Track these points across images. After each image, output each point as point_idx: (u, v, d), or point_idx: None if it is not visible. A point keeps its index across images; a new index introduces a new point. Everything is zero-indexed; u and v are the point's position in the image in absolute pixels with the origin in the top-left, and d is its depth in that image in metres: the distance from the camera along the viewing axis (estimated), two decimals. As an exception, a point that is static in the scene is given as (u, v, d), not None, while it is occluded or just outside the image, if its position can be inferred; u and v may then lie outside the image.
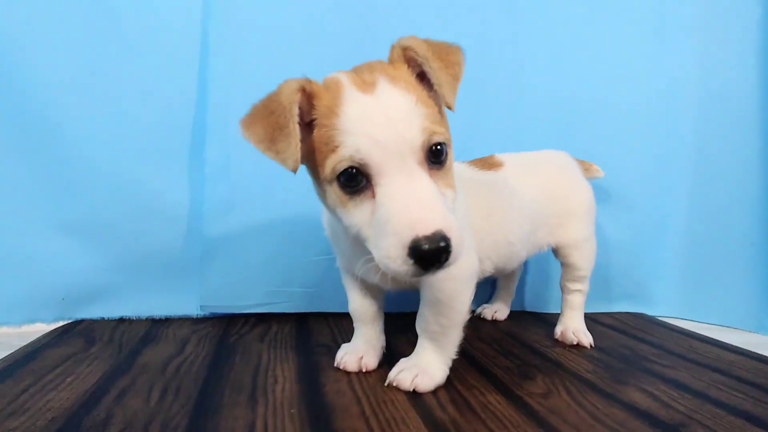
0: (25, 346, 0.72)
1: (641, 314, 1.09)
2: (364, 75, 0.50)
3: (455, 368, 0.66)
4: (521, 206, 0.76)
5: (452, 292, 0.61)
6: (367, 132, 0.46)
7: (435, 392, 0.61)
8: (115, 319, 0.87)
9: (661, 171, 1.09)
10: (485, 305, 1.01)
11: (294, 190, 0.86)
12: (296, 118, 0.47)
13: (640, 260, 1.10)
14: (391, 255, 0.45)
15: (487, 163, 0.80)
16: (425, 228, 0.44)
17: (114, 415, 0.52)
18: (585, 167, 0.94)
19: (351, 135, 0.47)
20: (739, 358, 0.80)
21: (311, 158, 0.51)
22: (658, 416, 0.57)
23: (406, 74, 0.51)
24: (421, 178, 0.47)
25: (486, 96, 1.01)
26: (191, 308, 0.90)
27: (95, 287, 0.86)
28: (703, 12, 1.06)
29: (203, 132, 0.86)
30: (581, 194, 0.86)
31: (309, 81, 0.50)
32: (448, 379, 0.64)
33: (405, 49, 0.52)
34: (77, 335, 0.78)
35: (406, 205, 0.45)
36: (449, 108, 0.51)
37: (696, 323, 1.07)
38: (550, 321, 0.93)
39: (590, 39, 1.05)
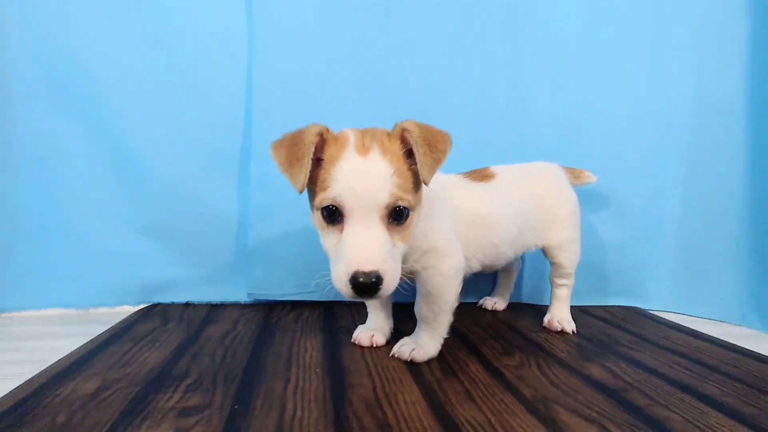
0: (120, 321, 0.94)
1: (634, 308, 1.20)
2: (366, 140, 0.64)
3: (450, 347, 0.82)
4: (508, 213, 0.90)
5: (441, 286, 0.77)
6: (350, 184, 0.61)
7: (428, 362, 0.77)
8: (183, 304, 1.09)
9: (655, 178, 1.19)
10: (486, 297, 1.15)
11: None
12: (311, 155, 0.62)
13: (634, 259, 1.21)
14: (339, 278, 0.60)
15: (480, 175, 0.94)
16: (365, 266, 0.58)
17: (191, 369, 0.72)
18: (576, 174, 1.06)
19: (338, 182, 0.61)
20: (704, 344, 0.92)
21: (311, 187, 0.66)
22: (605, 384, 0.71)
23: (397, 149, 0.65)
24: (377, 228, 0.61)
25: (491, 109, 1.13)
26: (241, 296, 1.10)
27: (167, 278, 1.07)
28: (696, 29, 1.15)
29: (248, 154, 1.06)
30: (566, 202, 0.99)
31: (327, 130, 0.65)
32: (441, 353, 0.80)
33: (403, 130, 0.64)
34: (156, 315, 1.00)
35: (359, 245, 0.60)
36: (425, 183, 0.64)
37: (685, 316, 1.17)
38: (543, 311, 1.06)
39: (589, 54, 1.15)
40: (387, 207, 0.62)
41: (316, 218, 0.66)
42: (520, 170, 0.99)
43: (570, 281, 1.01)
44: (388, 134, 0.66)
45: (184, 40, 1.04)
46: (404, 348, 0.78)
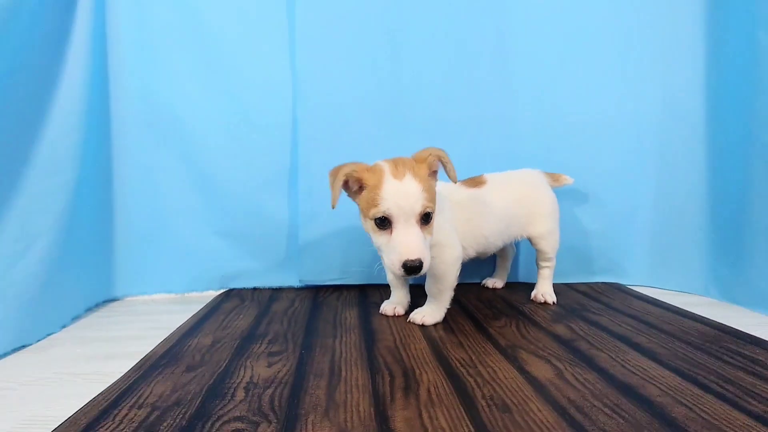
0: (210, 301, 1.29)
1: (614, 283, 1.44)
2: (398, 167, 0.91)
3: (452, 314, 1.10)
4: (496, 212, 1.17)
5: (444, 271, 1.05)
6: (395, 201, 0.89)
7: (435, 326, 1.06)
8: (251, 288, 1.42)
9: (630, 175, 1.40)
10: (488, 278, 1.42)
11: (354, 206, 1.34)
12: (340, 186, 0.92)
13: (614, 243, 1.44)
14: (394, 264, 0.88)
15: (475, 182, 1.21)
16: (412, 255, 0.87)
17: (269, 330, 1.04)
18: (555, 178, 1.31)
19: (386, 200, 0.89)
20: (657, 309, 1.16)
21: (362, 204, 0.95)
22: (562, 336, 0.98)
23: (424, 171, 0.93)
24: (415, 228, 0.90)
25: (484, 125, 1.38)
26: (294, 282, 1.42)
27: (238, 269, 1.41)
28: (660, 47, 1.35)
29: (296, 172, 1.37)
30: (545, 201, 1.24)
31: (355, 170, 0.93)
32: (445, 319, 1.08)
33: (429, 155, 0.94)
34: (234, 297, 1.34)
35: (406, 242, 0.88)
36: (454, 182, 0.98)
37: (657, 289, 1.40)
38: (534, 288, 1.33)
39: (567, 73, 1.37)
40: (420, 213, 0.90)
41: (369, 225, 0.94)
42: (507, 176, 1.25)
43: (551, 263, 1.26)
44: (415, 161, 0.95)
45: (247, 92, 1.36)
46: (417, 315, 1.07)
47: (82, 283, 1.20)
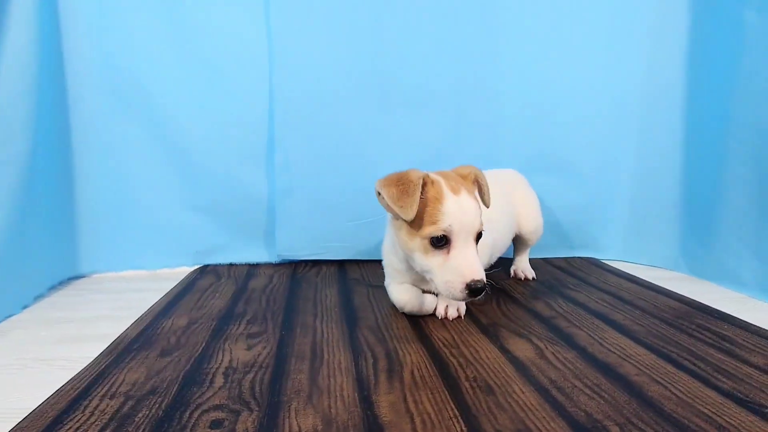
0: (184, 278, 1.24)
1: (591, 258, 1.46)
2: (452, 183, 0.84)
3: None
4: (494, 225, 1.05)
5: None
6: (458, 218, 0.80)
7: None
8: (227, 264, 1.38)
9: (610, 151, 1.41)
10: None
11: (333, 181, 1.31)
12: (419, 192, 0.80)
13: (592, 218, 1.46)
14: (455, 286, 0.79)
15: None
16: (476, 275, 0.79)
17: (247, 309, 1.01)
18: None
19: (448, 216, 0.80)
20: (631, 285, 1.19)
21: (416, 220, 0.82)
22: (541, 314, 0.99)
23: (472, 189, 0.88)
24: (473, 248, 0.82)
25: (468, 98, 1.34)
26: (272, 257, 1.39)
27: (214, 245, 1.36)
28: (645, 25, 1.33)
29: (272, 146, 1.30)
30: (531, 198, 1.25)
31: (427, 175, 0.84)
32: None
33: (476, 177, 0.90)
34: (210, 273, 1.29)
35: (468, 263, 0.80)
36: (487, 206, 0.90)
37: (632, 264, 1.44)
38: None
39: (553, 48, 1.34)
40: (477, 232, 0.84)
41: (418, 244, 0.83)
42: (494, 176, 1.19)
43: (531, 245, 1.27)
44: (464, 178, 0.89)
45: (220, 59, 1.27)
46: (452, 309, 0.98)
47: (44, 259, 1.13)
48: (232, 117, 1.30)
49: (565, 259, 1.46)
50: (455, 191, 0.83)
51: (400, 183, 0.82)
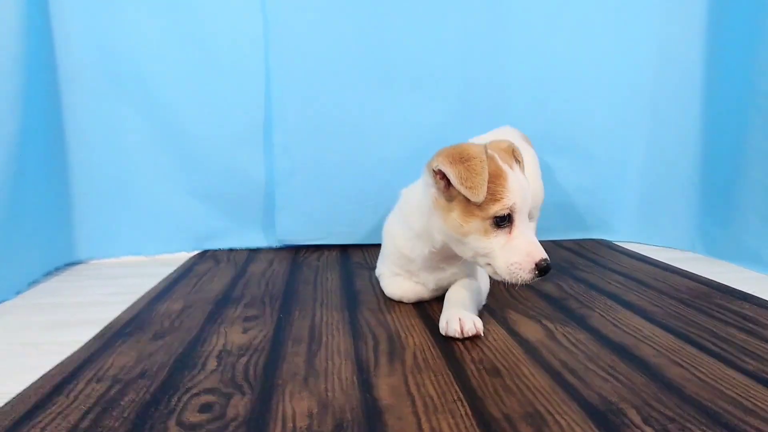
0: (183, 263, 1.21)
1: (602, 240, 1.41)
2: (502, 155, 0.76)
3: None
4: None
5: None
6: (521, 194, 0.73)
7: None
8: (227, 249, 1.35)
9: (623, 130, 1.35)
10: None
11: (334, 166, 1.26)
12: (487, 170, 0.70)
13: (604, 199, 1.40)
14: (524, 267, 0.71)
15: None
16: (543, 254, 0.72)
17: (245, 293, 0.98)
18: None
19: (513, 193, 0.72)
20: (645, 266, 1.14)
21: (461, 203, 0.73)
22: (551, 295, 0.94)
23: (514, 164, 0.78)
24: (530, 224, 0.77)
25: (475, 77, 1.29)
26: (272, 242, 1.35)
27: (214, 229, 1.33)
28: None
29: (270, 128, 1.26)
30: (532, 159, 1.17)
31: (487, 148, 0.74)
32: (431, 278, 1.04)
33: (514, 151, 0.80)
34: (209, 258, 1.26)
35: (534, 241, 0.73)
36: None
37: (645, 245, 1.38)
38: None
39: (564, 23, 1.28)
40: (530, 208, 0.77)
41: (480, 226, 0.73)
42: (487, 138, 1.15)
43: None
44: (504, 152, 0.79)
45: (215, 40, 1.22)
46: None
47: (38, 245, 1.11)
48: (228, 99, 1.26)
49: (576, 241, 1.40)
50: (510, 166, 0.76)
51: (464, 160, 0.71)
